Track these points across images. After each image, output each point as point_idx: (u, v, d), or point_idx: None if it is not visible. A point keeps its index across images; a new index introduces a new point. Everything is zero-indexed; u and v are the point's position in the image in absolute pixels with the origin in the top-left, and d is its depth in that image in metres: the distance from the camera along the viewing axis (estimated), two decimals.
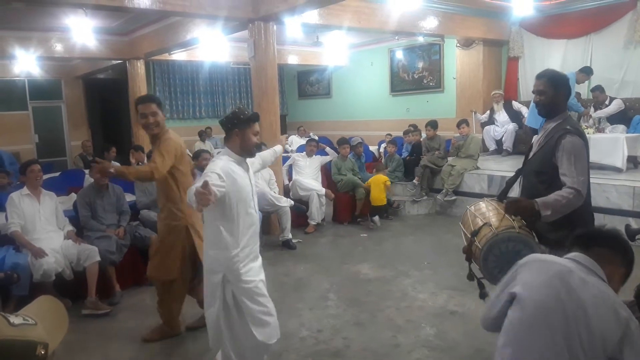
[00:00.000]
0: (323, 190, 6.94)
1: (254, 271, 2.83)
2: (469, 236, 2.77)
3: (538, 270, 1.81)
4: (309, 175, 7.12)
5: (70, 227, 4.70)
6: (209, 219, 2.77)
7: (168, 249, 3.56)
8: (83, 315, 4.16)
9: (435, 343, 3.54)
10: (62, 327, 1.20)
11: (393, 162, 8.16)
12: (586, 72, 7.81)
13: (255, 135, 2.82)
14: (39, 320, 1.09)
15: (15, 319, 1.04)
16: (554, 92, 2.72)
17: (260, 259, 2.93)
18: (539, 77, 2.78)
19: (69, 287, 4.41)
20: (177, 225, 3.51)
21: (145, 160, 7.16)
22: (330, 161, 7.63)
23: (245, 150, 2.80)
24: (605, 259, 1.82)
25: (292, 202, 6.44)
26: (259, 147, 2.96)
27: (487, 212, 2.85)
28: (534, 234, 2.64)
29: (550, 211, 2.51)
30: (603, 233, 1.93)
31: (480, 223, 2.76)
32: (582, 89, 8.58)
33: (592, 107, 7.88)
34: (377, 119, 12.62)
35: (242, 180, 2.76)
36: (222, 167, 2.66)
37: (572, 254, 1.87)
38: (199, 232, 3.45)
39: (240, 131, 2.75)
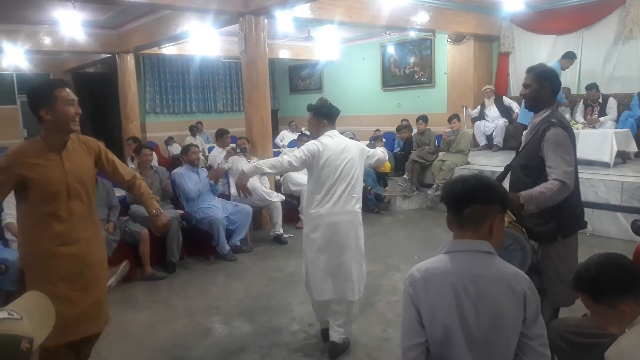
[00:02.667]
0: None
1: None
2: None
3: (435, 297, 1.69)
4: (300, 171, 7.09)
5: None
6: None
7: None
8: None
9: None
10: (48, 323, 1.19)
11: None
12: (569, 57, 7.80)
13: None
14: (25, 315, 1.08)
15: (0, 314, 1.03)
16: (538, 85, 2.75)
17: None
18: (528, 71, 2.83)
19: None
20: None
21: (130, 159, 7.08)
22: None
23: None
24: (480, 216, 1.69)
25: (283, 197, 6.43)
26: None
27: None
28: (523, 229, 2.64)
29: (534, 204, 2.51)
30: (467, 191, 1.71)
31: None
32: (572, 85, 8.64)
33: (584, 105, 7.88)
34: (368, 114, 12.62)
35: None
36: None
37: (449, 245, 1.75)
38: None
39: None
